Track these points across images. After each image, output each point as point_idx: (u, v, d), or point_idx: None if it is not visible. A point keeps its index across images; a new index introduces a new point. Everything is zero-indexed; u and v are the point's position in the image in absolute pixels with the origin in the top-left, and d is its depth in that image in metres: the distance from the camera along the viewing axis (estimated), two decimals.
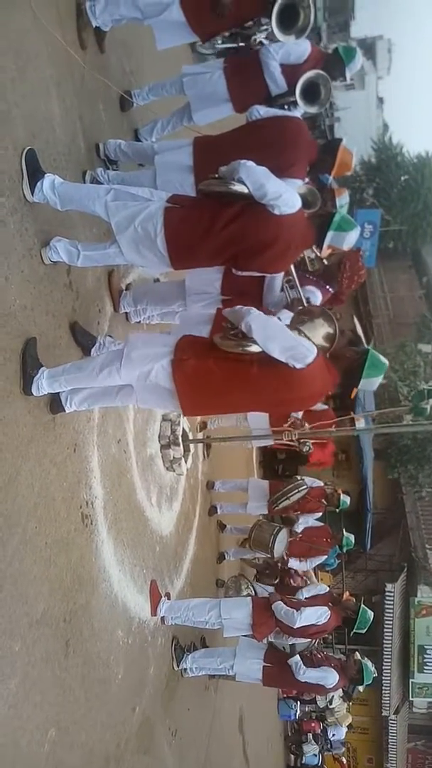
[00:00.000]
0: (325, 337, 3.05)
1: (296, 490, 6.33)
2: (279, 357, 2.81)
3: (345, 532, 7.43)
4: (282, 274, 3.82)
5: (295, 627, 4.89)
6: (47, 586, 2.91)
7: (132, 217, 2.97)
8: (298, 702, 10.81)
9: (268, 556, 6.73)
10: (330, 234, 3.45)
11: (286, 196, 2.89)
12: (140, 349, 3.01)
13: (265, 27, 3.87)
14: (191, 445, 5.58)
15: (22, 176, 2.87)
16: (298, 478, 6.82)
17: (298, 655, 5.14)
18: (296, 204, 2.95)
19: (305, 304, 3.72)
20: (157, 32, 3.93)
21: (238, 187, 2.88)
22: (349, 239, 3.56)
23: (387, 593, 13.24)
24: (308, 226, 3.19)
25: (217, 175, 3.02)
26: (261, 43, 4.16)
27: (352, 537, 7.65)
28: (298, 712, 11.07)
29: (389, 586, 13.31)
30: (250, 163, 2.88)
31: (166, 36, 3.95)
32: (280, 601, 5.03)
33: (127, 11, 3.80)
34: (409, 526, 14.56)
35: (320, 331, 3.05)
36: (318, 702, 10.17)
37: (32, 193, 2.92)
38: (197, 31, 3.91)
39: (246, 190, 2.88)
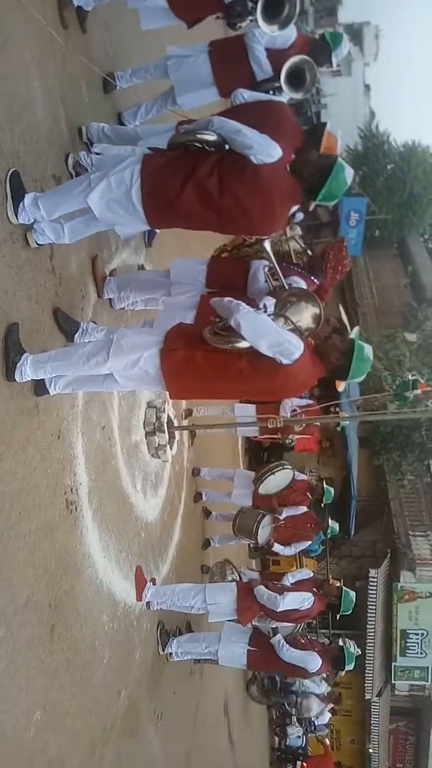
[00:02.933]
0: (312, 318, 3.07)
1: (281, 467, 6.36)
2: (267, 353, 2.85)
3: (330, 520, 7.51)
4: (265, 266, 3.80)
5: (277, 610, 4.95)
6: (32, 572, 2.92)
7: (108, 170, 2.88)
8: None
9: (252, 542, 6.78)
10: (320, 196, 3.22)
11: (262, 143, 2.82)
12: (129, 337, 3.04)
13: (250, 15, 3.81)
14: (176, 432, 5.59)
15: (6, 198, 2.83)
16: (284, 462, 6.87)
17: (280, 634, 5.22)
18: (275, 153, 2.85)
19: (287, 288, 3.72)
20: (141, 14, 3.88)
21: (206, 135, 2.83)
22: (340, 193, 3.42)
23: (370, 579, 13.42)
24: (293, 181, 3.06)
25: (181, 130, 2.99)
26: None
27: (336, 525, 7.74)
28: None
29: (373, 572, 13.48)
30: (220, 116, 2.87)
31: (150, 18, 3.90)
32: (262, 586, 5.09)
33: None
34: (392, 513, 14.75)
35: (305, 313, 3.07)
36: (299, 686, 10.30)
37: (16, 216, 2.88)
38: (181, 17, 3.87)
39: (213, 138, 2.82)
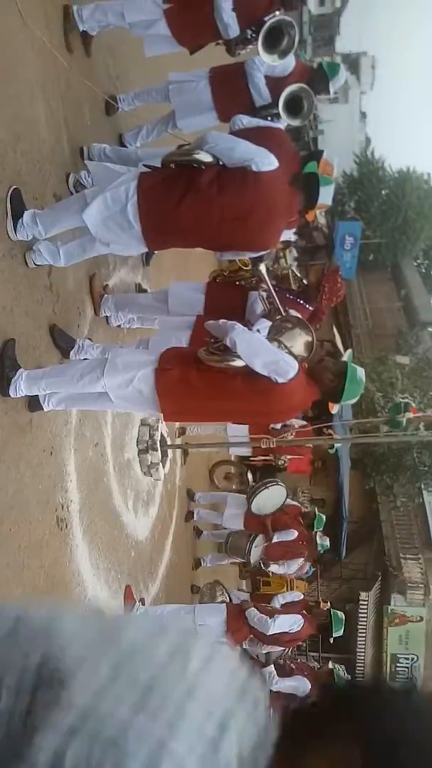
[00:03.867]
0: (305, 346, 3.10)
1: (275, 483, 6.34)
2: (262, 371, 2.86)
3: (321, 537, 7.47)
4: (263, 297, 3.84)
5: (267, 634, 4.91)
6: (20, 589, 2.89)
7: (104, 187, 2.89)
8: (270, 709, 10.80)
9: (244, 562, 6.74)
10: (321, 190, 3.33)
11: (260, 154, 2.86)
12: (124, 356, 3.05)
13: (251, 43, 3.90)
14: (169, 451, 5.58)
15: (6, 215, 2.86)
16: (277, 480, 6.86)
17: (272, 665, 5.17)
18: (272, 161, 2.88)
19: (283, 314, 3.76)
20: (145, 42, 3.97)
21: (201, 155, 2.85)
22: (330, 191, 3.50)
23: (361, 602, 13.33)
24: (292, 194, 3.10)
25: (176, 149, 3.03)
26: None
27: (327, 540, 7.70)
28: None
29: (363, 595, 13.40)
30: (215, 132, 2.90)
31: (154, 45, 4.00)
32: (253, 608, 5.05)
33: (115, 20, 3.84)
34: (384, 535, 14.70)
35: (299, 340, 3.10)
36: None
37: (15, 232, 2.91)
38: (184, 44, 3.96)
39: (209, 158, 2.84)
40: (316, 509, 7.79)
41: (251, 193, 2.86)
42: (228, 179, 2.85)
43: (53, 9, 3.63)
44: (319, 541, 7.29)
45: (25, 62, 3.17)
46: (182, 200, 2.83)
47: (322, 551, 7.55)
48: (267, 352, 2.90)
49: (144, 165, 3.00)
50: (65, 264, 3.20)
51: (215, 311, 4.02)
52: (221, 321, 3.01)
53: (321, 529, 7.55)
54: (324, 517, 7.61)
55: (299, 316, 3.56)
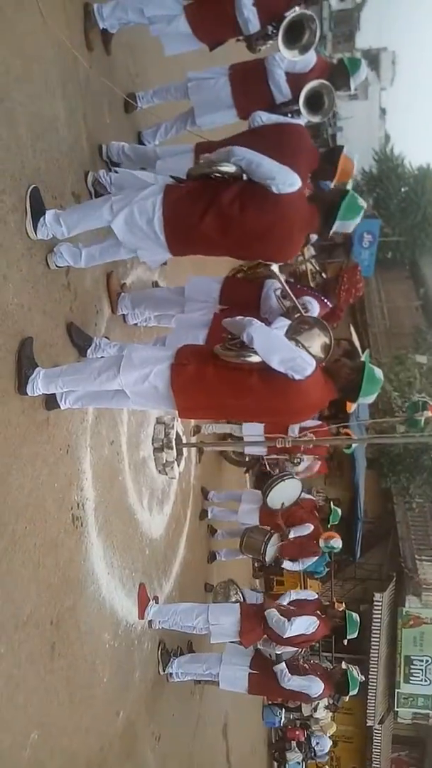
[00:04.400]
0: (322, 348, 3.08)
1: (290, 476, 6.31)
2: (279, 368, 2.84)
3: (335, 538, 7.42)
4: (276, 289, 3.82)
5: (284, 636, 4.88)
6: (35, 587, 2.90)
7: (131, 197, 2.94)
8: (283, 709, 10.78)
9: (260, 560, 6.73)
10: (337, 223, 3.27)
11: (282, 174, 2.86)
12: (141, 352, 3.06)
13: (271, 39, 3.87)
14: (184, 449, 5.57)
15: (25, 213, 2.87)
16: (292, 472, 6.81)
17: (284, 663, 5.13)
18: (294, 182, 2.90)
19: (302, 312, 3.73)
20: (164, 40, 3.95)
21: (225, 167, 2.88)
22: (355, 224, 3.42)
23: (375, 603, 13.22)
24: (312, 210, 3.12)
25: (201, 161, 3.03)
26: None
27: (339, 542, 7.65)
28: (283, 719, 11.03)
29: (377, 596, 13.29)
30: (241, 148, 2.89)
31: (173, 44, 3.97)
32: (274, 609, 5.01)
33: (135, 17, 3.82)
34: (399, 536, 14.56)
35: (317, 341, 3.07)
36: (303, 710, 10.14)
37: (35, 231, 2.92)
38: (204, 41, 3.94)
39: (232, 169, 2.87)
40: (331, 503, 7.74)
41: (271, 212, 2.90)
42: (249, 197, 2.88)
43: (73, 7, 3.62)
44: (329, 542, 7.24)
45: (45, 60, 3.17)
46: (204, 215, 2.89)
47: (331, 550, 7.50)
48: (284, 348, 2.88)
49: (171, 177, 3.01)
50: (85, 266, 3.24)
51: (230, 301, 4.04)
52: (238, 317, 3.00)
53: (336, 522, 7.52)
54: (339, 511, 7.57)
55: (317, 317, 3.53)
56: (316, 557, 7.27)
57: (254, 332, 2.84)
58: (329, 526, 7.46)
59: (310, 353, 3.02)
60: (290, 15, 3.61)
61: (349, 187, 4.21)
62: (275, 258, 3.31)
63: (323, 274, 4.24)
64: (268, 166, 2.85)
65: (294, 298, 3.73)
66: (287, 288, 3.68)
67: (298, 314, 3.72)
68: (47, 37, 3.17)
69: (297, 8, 3.69)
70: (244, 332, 2.86)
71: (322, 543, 7.04)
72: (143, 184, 3.03)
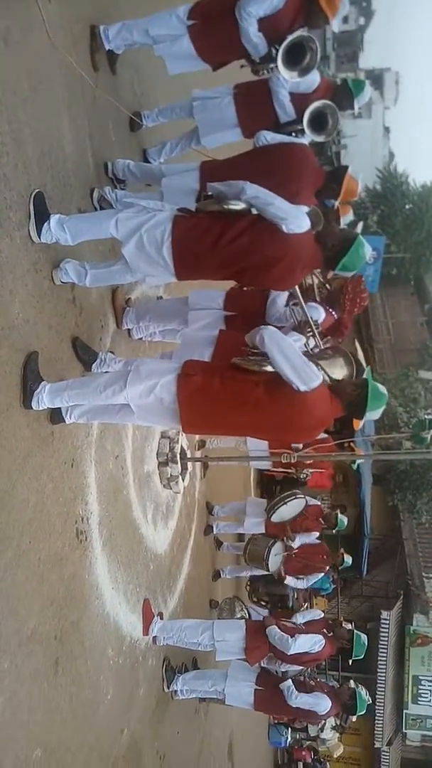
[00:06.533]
0: (342, 377, 3.13)
1: (293, 497, 6.31)
2: (286, 373, 2.86)
3: (344, 555, 7.40)
4: (292, 303, 3.86)
5: (288, 653, 4.83)
6: (39, 602, 2.89)
7: (140, 225, 3.00)
8: (289, 729, 10.62)
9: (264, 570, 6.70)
10: (338, 270, 3.35)
11: (293, 215, 2.94)
12: (149, 365, 3.10)
13: (273, 62, 3.94)
14: (189, 464, 5.56)
15: (29, 217, 2.91)
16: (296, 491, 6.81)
17: (290, 680, 5.07)
18: (304, 225, 2.98)
19: (313, 327, 3.77)
20: (168, 60, 4.02)
21: (234, 206, 2.94)
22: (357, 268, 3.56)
23: (382, 621, 13.05)
24: (316, 248, 3.18)
25: (210, 193, 3.09)
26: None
27: (350, 558, 7.61)
28: (289, 738, 10.86)
29: (384, 614, 13.12)
30: (252, 185, 2.94)
31: (177, 63, 4.04)
32: (275, 626, 4.97)
33: (140, 38, 3.90)
34: (406, 554, 14.42)
35: (337, 370, 3.12)
36: (309, 730, 9.98)
37: (39, 235, 2.96)
38: (208, 61, 4.01)
39: (240, 206, 2.93)
40: (338, 511, 7.72)
41: (279, 249, 2.98)
42: (259, 231, 2.95)
43: (80, 29, 3.70)
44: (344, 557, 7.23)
45: (52, 80, 3.23)
46: (214, 247, 2.97)
47: (343, 566, 7.47)
48: (294, 355, 2.91)
49: (178, 210, 3.07)
50: (90, 285, 3.29)
51: (235, 306, 4.08)
52: (256, 329, 3.06)
53: (344, 529, 7.50)
54: (345, 519, 7.54)
55: (347, 351, 3.58)
56: (322, 573, 7.21)
57: (266, 334, 2.90)
58: (335, 531, 7.45)
59: (326, 378, 3.04)
60: (290, 37, 3.67)
61: (350, 217, 4.29)
62: (274, 288, 3.43)
63: (328, 286, 4.25)
64: (279, 206, 2.92)
65: (306, 311, 3.76)
66: (302, 300, 3.71)
67: (310, 329, 3.76)
68: (54, 58, 3.24)
69: (299, 31, 3.76)
70: (257, 334, 2.92)
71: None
72: (148, 213, 3.07)
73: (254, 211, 2.97)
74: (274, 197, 2.93)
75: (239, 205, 2.93)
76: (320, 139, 3.97)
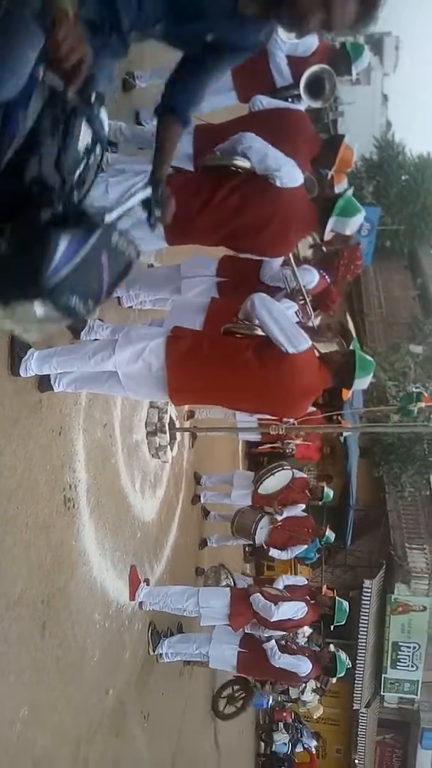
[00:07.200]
0: None
1: (280, 468, 6.39)
2: (275, 334, 2.86)
3: (327, 530, 7.52)
4: (285, 276, 3.82)
5: (271, 620, 4.94)
6: (26, 567, 2.92)
7: (129, 188, 2.89)
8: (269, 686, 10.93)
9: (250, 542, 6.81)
10: (332, 219, 3.26)
11: (287, 167, 2.89)
12: (139, 330, 3.12)
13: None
14: (177, 434, 5.58)
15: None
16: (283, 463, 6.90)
17: (273, 641, 5.20)
18: (297, 177, 2.93)
19: (305, 295, 3.75)
20: None
21: (241, 162, 2.90)
22: (353, 224, 3.39)
23: (364, 589, 13.38)
24: (311, 208, 3.14)
25: (217, 152, 3.03)
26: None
27: (332, 535, 7.76)
28: (271, 701, 11.18)
29: (367, 582, 13.44)
30: (251, 134, 2.90)
31: None
32: (258, 594, 5.07)
33: None
34: (390, 524, 14.70)
35: (330, 350, 3.13)
36: (290, 692, 10.29)
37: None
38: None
39: (248, 164, 2.89)
40: (324, 484, 7.84)
41: (271, 205, 2.92)
42: (251, 189, 2.90)
43: None
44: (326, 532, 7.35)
45: None
46: (204, 208, 2.91)
47: (326, 543, 7.61)
48: (283, 318, 2.92)
49: (173, 168, 2.97)
50: None
51: (228, 270, 4.04)
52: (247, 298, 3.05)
53: (330, 501, 7.63)
54: (331, 492, 7.67)
55: (317, 281, 3.53)
56: (305, 546, 7.32)
57: (257, 298, 2.90)
58: (321, 503, 7.55)
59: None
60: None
61: (345, 185, 4.25)
62: (267, 253, 3.35)
63: (323, 249, 4.21)
64: (273, 156, 2.87)
65: (299, 280, 3.73)
66: (294, 267, 3.69)
67: (302, 297, 3.74)
68: None
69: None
70: (248, 300, 2.92)
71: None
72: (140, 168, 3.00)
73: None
74: (269, 147, 2.89)
75: (246, 163, 2.88)
76: (317, 104, 3.90)
